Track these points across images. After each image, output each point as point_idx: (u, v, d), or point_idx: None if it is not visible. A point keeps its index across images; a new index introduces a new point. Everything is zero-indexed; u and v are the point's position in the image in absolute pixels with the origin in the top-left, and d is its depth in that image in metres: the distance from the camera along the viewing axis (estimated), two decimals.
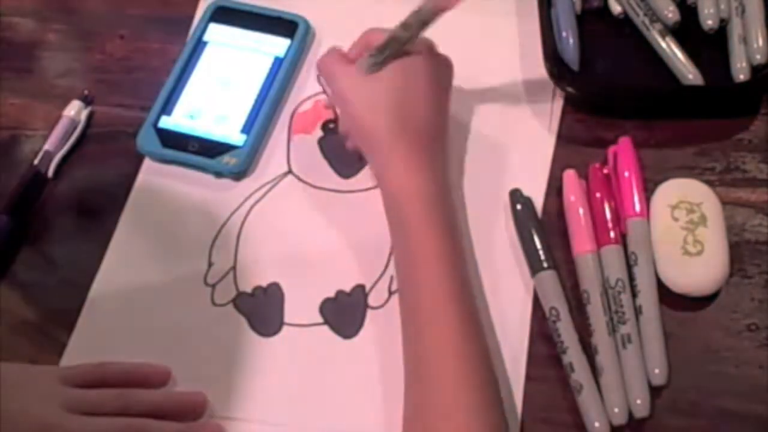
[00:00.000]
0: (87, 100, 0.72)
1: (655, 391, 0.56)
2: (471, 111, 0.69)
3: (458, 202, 0.64)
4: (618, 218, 0.62)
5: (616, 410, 0.55)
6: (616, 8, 0.70)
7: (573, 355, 0.57)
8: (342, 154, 0.67)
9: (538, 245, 0.61)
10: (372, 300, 0.62)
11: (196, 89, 0.71)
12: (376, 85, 0.61)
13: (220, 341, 0.62)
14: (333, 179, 0.67)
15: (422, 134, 0.60)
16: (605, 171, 0.63)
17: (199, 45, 0.72)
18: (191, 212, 0.67)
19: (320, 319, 0.62)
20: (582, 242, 0.61)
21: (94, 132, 0.72)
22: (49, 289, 0.65)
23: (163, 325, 0.63)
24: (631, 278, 0.60)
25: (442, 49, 0.65)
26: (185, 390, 0.60)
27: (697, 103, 0.67)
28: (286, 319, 0.62)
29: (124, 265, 0.65)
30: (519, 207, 0.63)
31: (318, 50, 0.73)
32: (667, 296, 0.59)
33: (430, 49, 0.63)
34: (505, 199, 0.64)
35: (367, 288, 0.63)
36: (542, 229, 0.62)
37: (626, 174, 0.63)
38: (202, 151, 0.68)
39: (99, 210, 0.68)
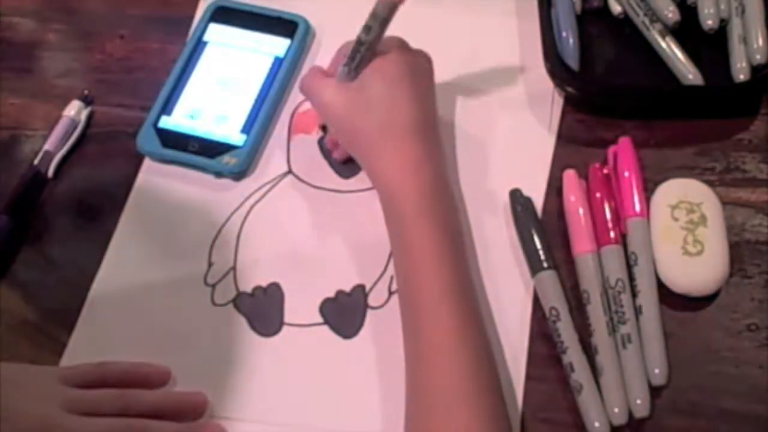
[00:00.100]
0: (87, 100, 0.72)
1: (655, 391, 0.56)
2: (471, 111, 0.69)
3: (458, 200, 0.64)
4: (618, 218, 0.62)
5: (616, 410, 0.55)
6: (616, 8, 0.70)
7: (573, 355, 0.57)
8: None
9: (538, 245, 0.61)
10: (372, 300, 0.62)
11: (196, 89, 0.71)
12: (355, 90, 0.62)
13: (220, 341, 0.62)
14: (333, 179, 0.67)
15: (410, 129, 0.61)
16: (605, 171, 0.63)
17: (199, 45, 0.72)
18: (191, 212, 0.67)
19: (320, 319, 0.62)
20: (582, 242, 0.61)
21: (94, 132, 0.72)
22: (49, 289, 0.65)
23: (163, 325, 0.63)
24: (631, 278, 0.60)
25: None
26: (185, 390, 0.60)
27: (697, 103, 0.67)
28: (286, 319, 0.62)
29: (124, 265, 0.65)
30: (519, 207, 0.63)
31: (318, 50, 0.73)
32: (667, 296, 0.59)
33: (400, 45, 0.63)
34: (505, 199, 0.64)
35: (367, 288, 0.63)
36: (542, 229, 0.62)
37: (626, 174, 0.63)
38: (202, 151, 0.68)
39: (99, 210, 0.68)
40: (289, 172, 0.68)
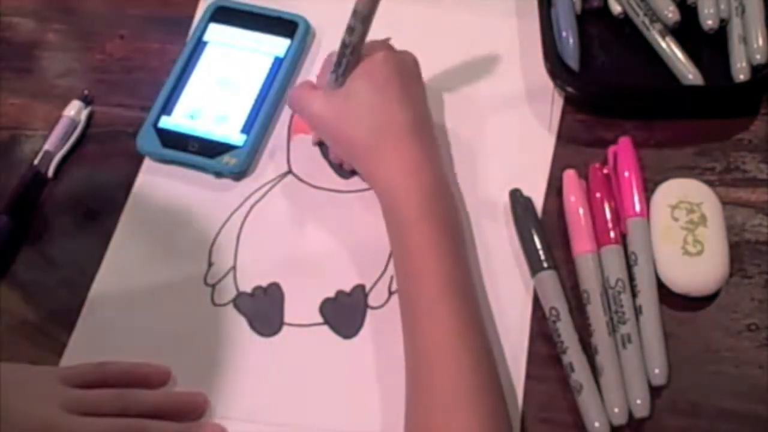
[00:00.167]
0: (87, 100, 0.72)
1: (655, 391, 0.56)
2: (471, 111, 0.69)
3: (457, 201, 0.64)
4: (618, 218, 0.62)
5: (616, 410, 0.55)
6: (616, 8, 0.70)
7: (573, 355, 0.57)
8: None
9: (538, 245, 0.61)
10: (372, 300, 0.62)
11: (196, 89, 0.71)
12: (343, 98, 0.62)
13: (220, 341, 0.62)
14: (333, 179, 0.67)
15: (405, 130, 0.60)
16: (605, 171, 0.63)
17: (199, 45, 0.72)
18: (191, 212, 0.67)
19: (320, 319, 0.62)
20: (582, 242, 0.61)
21: (94, 132, 0.72)
22: (49, 289, 0.65)
23: (163, 325, 0.63)
24: (631, 278, 0.60)
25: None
26: (185, 390, 0.60)
27: (697, 103, 0.67)
28: (286, 319, 0.62)
29: (124, 265, 0.65)
30: (519, 207, 0.63)
31: (318, 50, 0.73)
32: (667, 296, 0.59)
33: (386, 48, 0.63)
34: (505, 199, 0.64)
35: (367, 288, 0.63)
36: (542, 229, 0.62)
37: (626, 174, 0.63)
38: (202, 151, 0.68)
39: (99, 210, 0.68)
40: (289, 172, 0.68)
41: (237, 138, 0.68)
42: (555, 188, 0.64)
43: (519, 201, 0.63)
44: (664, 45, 0.67)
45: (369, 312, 0.62)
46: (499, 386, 0.55)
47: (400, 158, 0.60)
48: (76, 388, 0.58)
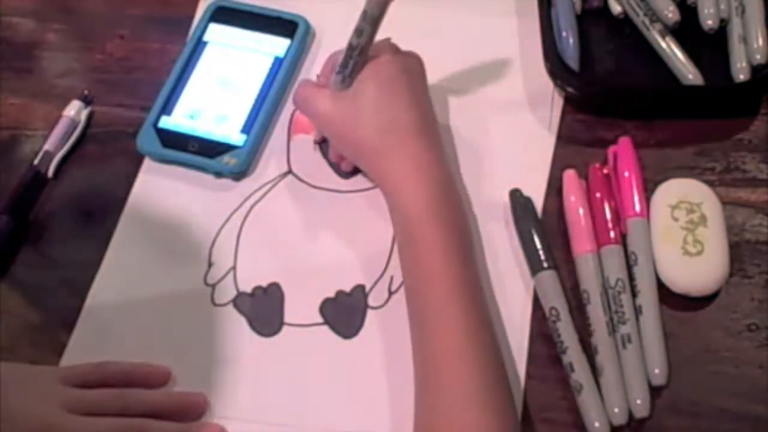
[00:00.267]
0: (87, 100, 0.72)
1: (655, 391, 0.56)
2: (470, 111, 0.69)
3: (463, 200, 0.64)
4: (618, 218, 0.62)
5: (616, 410, 0.55)
6: (616, 8, 0.70)
7: (573, 355, 0.57)
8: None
9: (538, 245, 0.61)
10: (372, 300, 0.62)
11: (196, 89, 0.71)
12: (350, 98, 0.61)
13: (220, 341, 0.62)
14: (333, 179, 0.67)
15: (412, 130, 0.60)
16: (605, 171, 0.63)
17: (199, 45, 0.72)
18: (191, 212, 0.67)
19: (320, 319, 0.62)
20: (582, 242, 0.61)
21: (94, 132, 0.72)
22: (49, 289, 0.65)
23: (163, 325, 0.63)
24: (631, 278, 0.60)
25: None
26: (185, 390, 0.60)
27: (697, 103, 0.67)
28: (286, 319, 0.62)
29: (124, 265, 0.65)
30: (519, 207, 0.63)
31: (318, 50, 0.73)
32: (667, 296, 0.59)
33: (391, 48, 0.63)
34: (505, 199, 0.64)
35: (367, 288, 0.63)
36: (542, 229, 0.62)
37: (626, 174, 0.63)
38: (202, 151, 0.68)
39: (99, 210, 0.68)
40: (289, 172, 0.68)
41: (237, 138, 0.68)
42: (555, 188, 0.64)
43: (519, 201, 0.63)
44: (664, 45, 0.67)
45: (369, 312, 0.62)
46: (507, 384, 0.55)
47: (408, 158, 0.60)
48: (76, 388, 0.58)
